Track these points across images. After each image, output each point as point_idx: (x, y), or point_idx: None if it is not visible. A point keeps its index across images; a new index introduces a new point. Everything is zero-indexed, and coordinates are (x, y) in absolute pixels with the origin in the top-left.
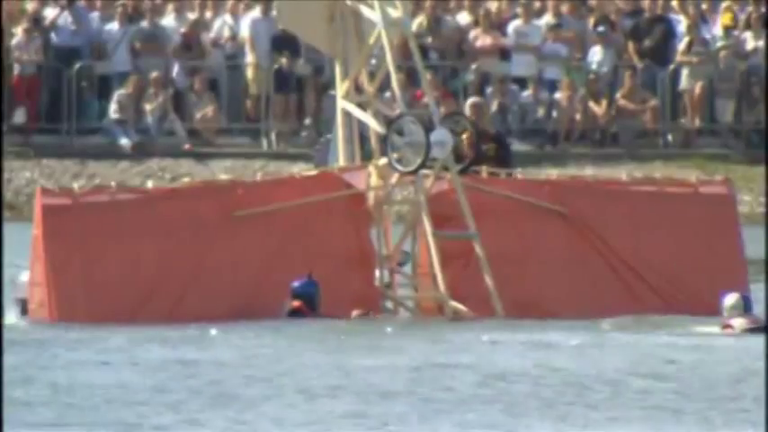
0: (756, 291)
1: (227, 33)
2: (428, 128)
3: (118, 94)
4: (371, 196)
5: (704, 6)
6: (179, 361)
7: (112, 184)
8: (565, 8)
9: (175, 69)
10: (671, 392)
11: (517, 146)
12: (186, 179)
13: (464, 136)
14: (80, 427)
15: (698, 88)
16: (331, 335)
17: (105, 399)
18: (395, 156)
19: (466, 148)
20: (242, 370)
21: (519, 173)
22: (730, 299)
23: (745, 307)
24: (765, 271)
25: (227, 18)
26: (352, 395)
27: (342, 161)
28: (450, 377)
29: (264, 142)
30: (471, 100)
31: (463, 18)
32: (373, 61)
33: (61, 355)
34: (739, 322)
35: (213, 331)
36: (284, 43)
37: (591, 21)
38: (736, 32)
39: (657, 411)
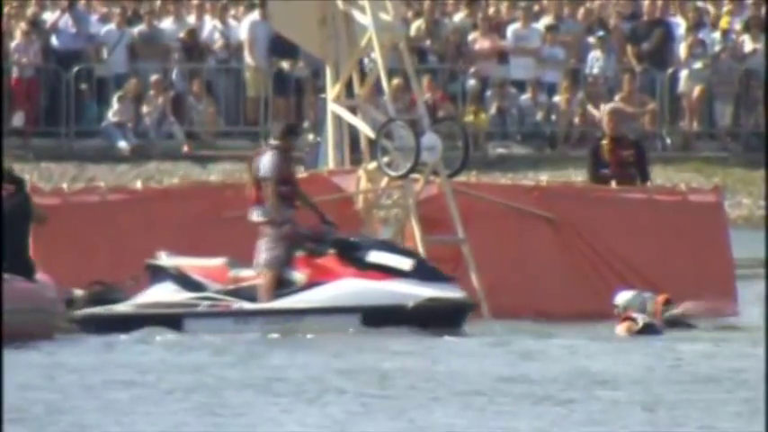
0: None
1: (217, 37)
2: (418, 132)
3: (117, 96)
4: (361, 200)
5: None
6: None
7: (102, 184)
8: (562, 10)
9: (174, 72)
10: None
11: (516, 149)
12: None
13: (603, 142)
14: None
15: (697, 91)
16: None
17: None
18: (385, 160)
19: (606, 154)
20: None
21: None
22: (627, 294)
23: (645, 307)
24: (765, 272)
25: (217, 23)
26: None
27: (331, 165)
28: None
29: (263, 144)
30: (610, 106)
31: (462, 21)
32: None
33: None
34: (642, 316)
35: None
36: (283, 46)
37: (588, 24)
38: (733, 36)
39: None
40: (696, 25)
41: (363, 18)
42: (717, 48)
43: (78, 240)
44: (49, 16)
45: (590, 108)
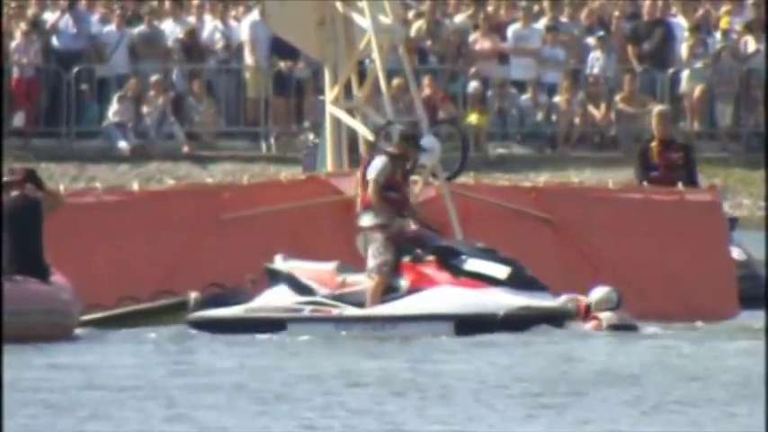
0: None
1: (218, 38)
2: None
3: (117, 96)
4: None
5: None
6: None
7: (100, 185)
8: (561, 11)
9: (174, 72)
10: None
11: (516, 149)
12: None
13: (652, 144)
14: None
15: (697, 91)
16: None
17: None
18: None
19: (655, 157)
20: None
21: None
22: (600, 291)
23: (618, 303)
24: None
25: (218, 24)
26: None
27: (330, 167)
28: None
29: (264, 145)
30: (658, 108)
31: (463, 22)
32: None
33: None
34: (607, 316)
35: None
36: (284, 46)
37: (588, 24)
38: (734, 36)
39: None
40: (698, 26)
41: (362, 20)
42: (717, 47)
43: (75, 242)
44: (49, 16)
45: (590, 108)
